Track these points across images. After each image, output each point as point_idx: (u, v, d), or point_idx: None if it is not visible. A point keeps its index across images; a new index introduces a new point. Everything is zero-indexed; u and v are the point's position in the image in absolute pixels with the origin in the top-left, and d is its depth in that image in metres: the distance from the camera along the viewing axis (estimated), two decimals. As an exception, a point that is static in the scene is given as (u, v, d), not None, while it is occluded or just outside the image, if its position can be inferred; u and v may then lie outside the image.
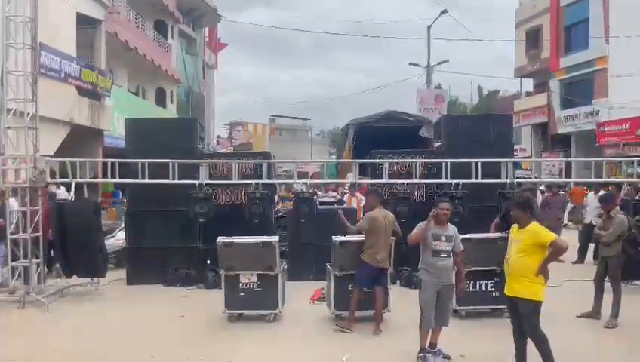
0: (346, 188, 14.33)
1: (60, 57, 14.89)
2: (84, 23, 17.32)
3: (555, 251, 5.03)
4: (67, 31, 15.85)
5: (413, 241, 5.89)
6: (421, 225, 5.90)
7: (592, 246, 11.30)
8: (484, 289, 7.35)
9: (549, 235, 5.06)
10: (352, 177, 9.97)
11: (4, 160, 8.98)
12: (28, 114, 8.80)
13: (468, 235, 7.37)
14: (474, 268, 7.26)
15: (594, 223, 11.06)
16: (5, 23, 8.83)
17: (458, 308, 7.32)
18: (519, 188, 8.35)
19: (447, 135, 10.66)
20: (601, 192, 11.08)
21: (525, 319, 5.07)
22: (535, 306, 5.05)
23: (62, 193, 11.12)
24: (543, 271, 5.01)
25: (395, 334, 6.73)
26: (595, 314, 7.33)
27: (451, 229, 5.94)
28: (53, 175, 9.78)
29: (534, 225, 5.15)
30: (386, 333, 6.75)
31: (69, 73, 15.45)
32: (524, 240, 5.07)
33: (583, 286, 8.31)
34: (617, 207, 7.57)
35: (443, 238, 5.80)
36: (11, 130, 8.96)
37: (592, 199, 11.95)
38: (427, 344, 5.80)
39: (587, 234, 11.57)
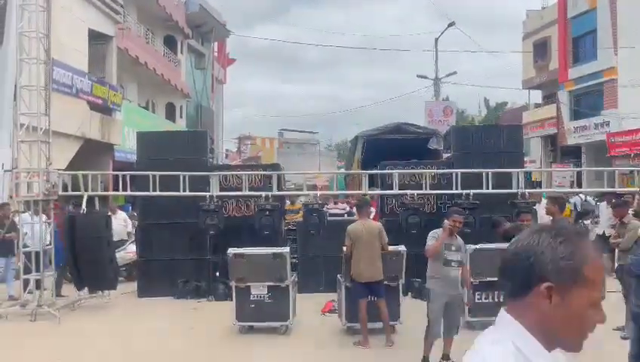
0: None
1: (71, 73, 15.10)
2: (96, 38, 17.59)
3: None
4: (79, 47, 16.10)
5: (432, 254, 5.81)
6: (433, 235, 5.87)
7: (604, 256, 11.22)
8: (497, 299, 7.26)
9: None
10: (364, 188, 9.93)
11: (17, 173, 9.07)
12: (41, 128, 8.90)
13: (480, 246, 7.34)
14: (487, 279, 7.20)
15: (607, 233, 11.01)
16: (19, 39, 8.98)
17: (471, 319, 7.26)
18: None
19: (456, 145, 10.64)
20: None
21: None
22: None
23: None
24: None
25: (407, 345, 6.65)
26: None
27: (459, 240, 5.94)
28: (65, 188, 9.85)
29: None
30: (397, 345, 6.69)
31: (80, 88, 15.64)
32: None
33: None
34: (630, 214, 7.49)
35: (453, 248, 5.80)
36: (24, 143, 9.06)
37: (604, 209, 11.86)
38: (430, 353, 5.77)
39: (600, 245, 11.46)
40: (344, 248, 6.97)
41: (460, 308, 6.10)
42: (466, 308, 7.14)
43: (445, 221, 5.88)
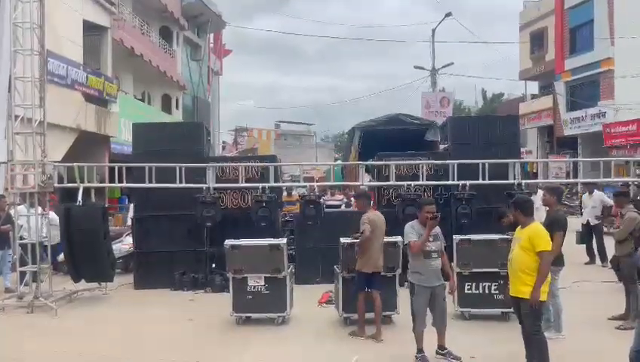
0: (352, 191, 14.28)
1: (66, 64, 14.98)
2: (91, 29, 17.44)
3: (541, 264, 4.92)
4: (74, 38, 15.97)
5: (418, 250, 5.76)
6: (410, 230, 5.85)
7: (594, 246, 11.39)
8: (487, 291, 7.22)
9: (544, 243, 4.96)
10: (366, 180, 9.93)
11: (13, 165, 9.04)
12: (36, 120, 8.85)
13: (467, 236, 7.36)
14: (474, 270, 7.22)
15: (591, 223, 11.35)
16: (13, 30, 8.90)
17: (461, 309, 7.30)
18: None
19: (453, 136, 10.64)
20: (596, 192, 11.60)
21: (528, 319, 5.02)
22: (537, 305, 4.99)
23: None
24: (537, 290, 4.88)
25: (403, 336, 6.66)
26: (627, 316, 7.11)
27: (436, 228, 5.89)
28: (61, 180, 9.82)
29: (536, 224, 5.15)
30: (394, 335, 6.72)
31: (75, 80, 15.53)
32: (523, 239, 5.05)
33: (592, 289, 8.27)
34: (630, 205, 7.50)
35: (431, 238, 5.79)
36: (19, 135, 9.02)
37: (586, 200, 11.97)
38: (423, 344, 5.78)
39: (587, 235, 11.56)
40: (366, 232, 6.56)
41: (444, 297, 6.04)
42: (455, 299, 7.17)
43: (420, 214, 5.86)
